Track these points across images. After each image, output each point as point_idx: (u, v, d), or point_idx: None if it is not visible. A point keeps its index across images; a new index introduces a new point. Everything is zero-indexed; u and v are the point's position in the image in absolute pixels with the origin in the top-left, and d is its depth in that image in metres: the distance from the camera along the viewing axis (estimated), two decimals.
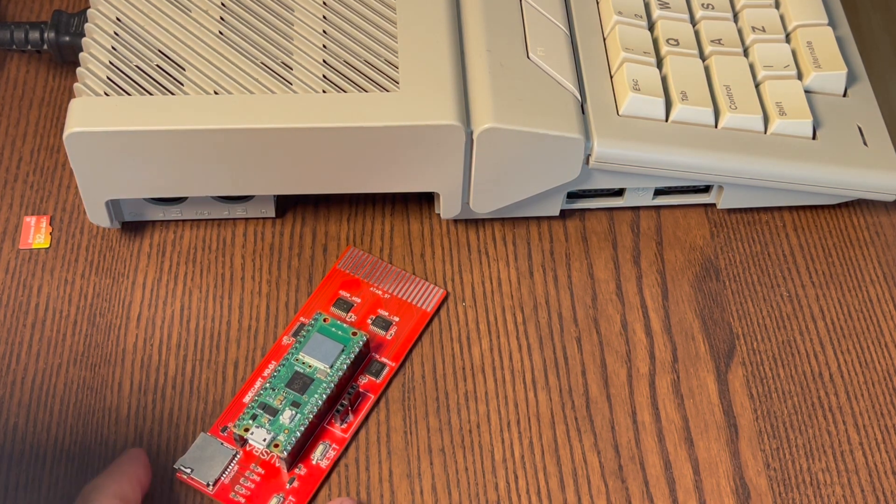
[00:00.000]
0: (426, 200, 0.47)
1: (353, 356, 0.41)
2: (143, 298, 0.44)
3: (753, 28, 0.48)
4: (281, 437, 0.39)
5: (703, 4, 0.48)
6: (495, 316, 0.44)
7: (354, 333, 0.41)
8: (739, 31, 0.48)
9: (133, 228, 0.46)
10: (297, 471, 0.39)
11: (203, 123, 0.40)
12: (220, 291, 0.44)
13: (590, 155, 0.43)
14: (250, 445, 0.40)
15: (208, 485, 0.39)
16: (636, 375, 0.43)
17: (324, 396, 0.40)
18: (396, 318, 0.43)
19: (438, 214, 0.46)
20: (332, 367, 0.40)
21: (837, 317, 0.44)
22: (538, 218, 0.47)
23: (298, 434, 0.39)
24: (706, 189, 0.47)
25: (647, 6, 0.48)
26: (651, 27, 0.48)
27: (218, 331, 0.43)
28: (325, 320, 0.41)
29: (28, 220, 0.46)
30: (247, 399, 0.41)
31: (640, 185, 0.46)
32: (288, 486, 0.39)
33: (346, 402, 0.40)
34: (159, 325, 0.43)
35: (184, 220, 0.46)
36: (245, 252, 0.46)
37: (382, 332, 0.43)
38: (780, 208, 0.48)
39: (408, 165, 0.42)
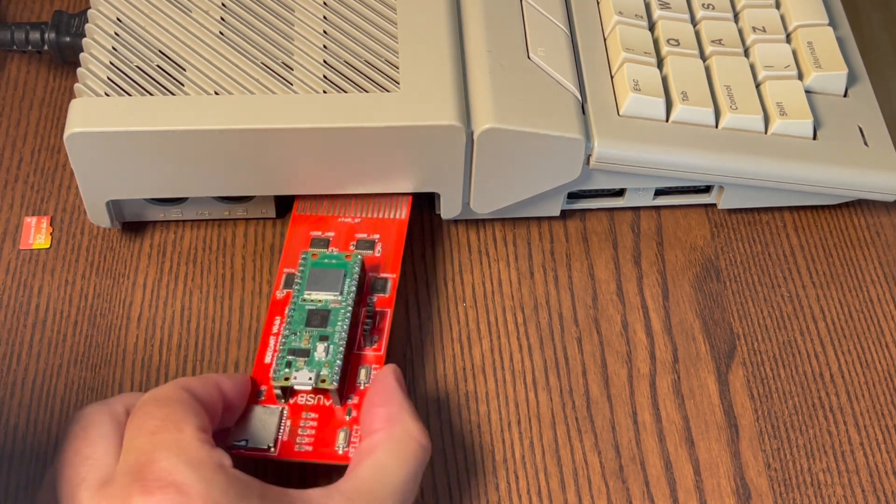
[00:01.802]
0: (426, 200, 0.47)
1: (356, 277, 0.40)
2: (144, 299, 0.44)
3: (754, 28, 0.48)
4: (325, 371, 0.38)
5: (703, 4, 0.48)
6: (496, 316, 0.44)
7: (349, 257, 0.41)
8: (740, 32, 0.48)
9: (133, 229, 0.46)
10: (349, 402, 0.39)
11: (203, 124, 0.40)
12: (220, 292, 0.44)
13: (590, 155, 0.43)
14: (295, 394, 0.39)
15: (269, 448, 0.38)
16: (637, 376, 0.43)
17: (346, 322, 0.39)
18: (377, 236, 0.43)
19: (439, 214, 0.46)
20: (342, 293, 0.40)
21: (838, 317, 0.44)
22: (539, 218, 0.47)
23: (339, 362, 0.38)
24: (707, 189, 0.47)
25: (647, 6, 0.48)
26: (651, 27, 0.47)
27: (218, 331, 0.43)
28: (313, 256, 0.41)
29: (28, 221, 0.46)
30: (268, 359, 0.40)
31: (641, 186, 0.46)
32: (347, 417, 0.39)
33: (370, 321, 0.40)
34: (160, 326, 0.43)
35: (184, 221, 0.46)
36: (246, 252, 0.46)
37: (370, 252, 0.43)
38: (780, 208, 0.48)
39: (408, 166, 0.42)
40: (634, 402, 0.42)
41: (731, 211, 0.48)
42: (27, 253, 0.45)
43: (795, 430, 0.41)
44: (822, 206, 0.48)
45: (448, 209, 0.45)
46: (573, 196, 0.46)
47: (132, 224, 0.46)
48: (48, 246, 0.45)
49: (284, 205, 0.47)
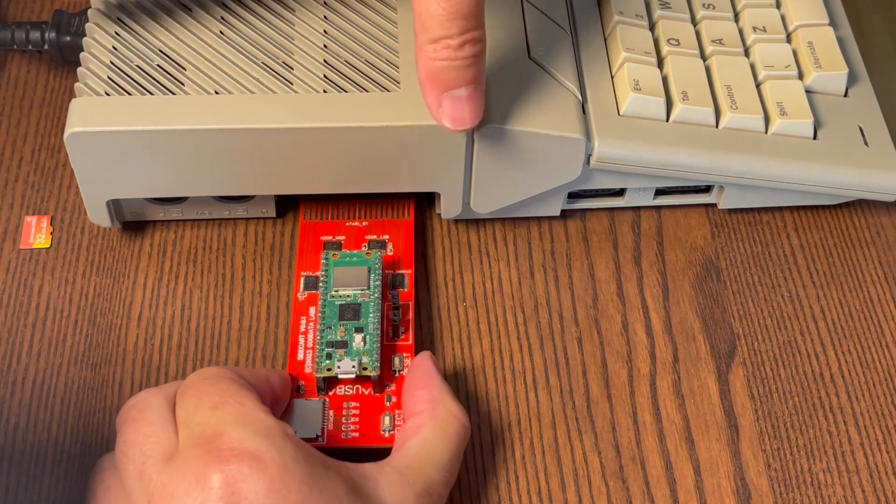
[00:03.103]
0: (426, 200, 0.47)
1: (379, 272, 0.42)
2: (144, 298, 0.44)
3: (754, 28, 0.47)
4: (366, 360, 0.40)
5: (703, 4, 0.48)
6: (496, 316, 0.44)
7: (368, 254, 0.42)
8: (740, 31, 0.48)
9: (134, 228, 0.46)
10: (388, 388, 0.40)
11: (204, 123, 0.40)
12: (220, 291, 0.44)
13: (590, 155, 0.43)
14: (334, 386, 0.40)
15: (317, 437, 0.39)
16: (637, 376, 0.43)
17: (378, 313, 0.41)
18: (386, 236, 0.44)
19: (439, 214, 0.46)
20: (369, 287, 0.41)
21: (838, 317, 0.44)
22: (539, 218, 0.47)
23: (377, 351, 0.40)
24: (707, 189, 0.47)
25: (647, 6, 0.48)
26: (652, 27, 0.47)
27: (219, 331, 0.43)
28: (334, 255, 0.42)
29: (29, 220, 0.46)
30: (300, 356, 0.41)
31: (641, 185, 0.46)
32: (388, 403, 0.40)
33: (398, 313, 0.42)
34: (160, 325, 0.43)
35: (184, 220, 0.46)
36: (246, 252, 0.46)
37: (383, 251, 0.44)
38: (780, 208, 0.48)
39: (408, 165, 0.42)
40: (635, 402, 0.42)
41: (731, 211, 0.48)
42: (27, 252, 0.45)
43: (795, 430, 0.41)
44: (823, 206, 0.48)
45: (448, 209, 0.45)
46: (573, 196, 0.46)
47: (132, 224, 0.46)
48: (48, 245, 0.45)
49: (284, 204, 0.47)
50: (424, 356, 0.40)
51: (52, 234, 0.46)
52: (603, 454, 0.41)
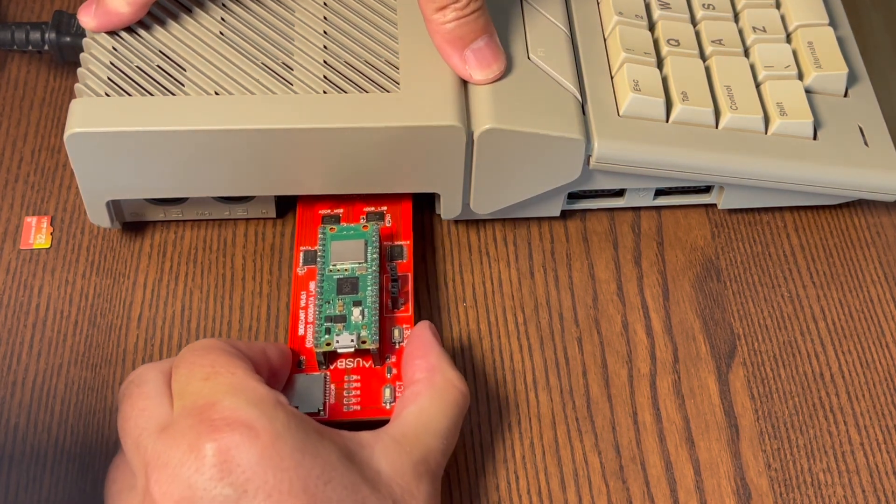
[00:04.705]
0: (426, 200, 0.47)
1: (377, 245, 0.42)
2: (144, 299, 0.44)
3: (754, 28, 0.48)
4: (364, 333, 0.40)
5: (703, 5, 0.48)
6: (496, 316, 0.44)
7: (365, 227, 0.42)
8: (740, 32, 0.48)
9: (134, 229, 0.46)
10: (388, 360, 0.41)
11: (204, 124, 0.40)
12: (220, 292, 0.44)
13: (590, 155, 0.43)
14: (335, 360, 0.40)
15: (319, 411, 0.39)
16: (637, 376, 0.43)
17: (376, 286, 0.41)
18: (384, 208, 0.45)
19: (439, 215, 0.46)
20: (366, 260, 0.41)
21: (838, 317, 0.44)
22: (539, 218, 0.47)
23: (376, 324, 0.40)
24: (707, 189, 0.47)
25: (647, 6, 0.48)
26: (652, 27, 0.47)
27: (219, 331, 0.43)
28: (331, 230, 0.43)
29: (29, 221, 0.46)
30: (301, 331, 0.41)
31: (641, 186, 0.46)
32: (389, 375, 0.40)
33: (395, 285, 0.42)
34: (160, 326, 0.43)
35: (184, 221, 0.46)
36: (246, 252, 0.46)
37: (381, 222, 0.44)
38: (781, 208, 0.48)
39: (408, 166, 0.42)
40: (635, 402, 0.42)
41: (731, 211, 0.48)
42: (27, 253, 0.45)
43: (796, 430, 0.41)
44: (823, 206, 0.48)
45: (448, 209, 0.45)
46: (573, 196, 0.46)
47: (132, 224, 0.46)
48: (48, 246, 0.45)
49: (284, 205, 0.47)
50: (423, 325, 0.40)
51: (52, 234, 0.46)
52: (603, 454, 0.41)
